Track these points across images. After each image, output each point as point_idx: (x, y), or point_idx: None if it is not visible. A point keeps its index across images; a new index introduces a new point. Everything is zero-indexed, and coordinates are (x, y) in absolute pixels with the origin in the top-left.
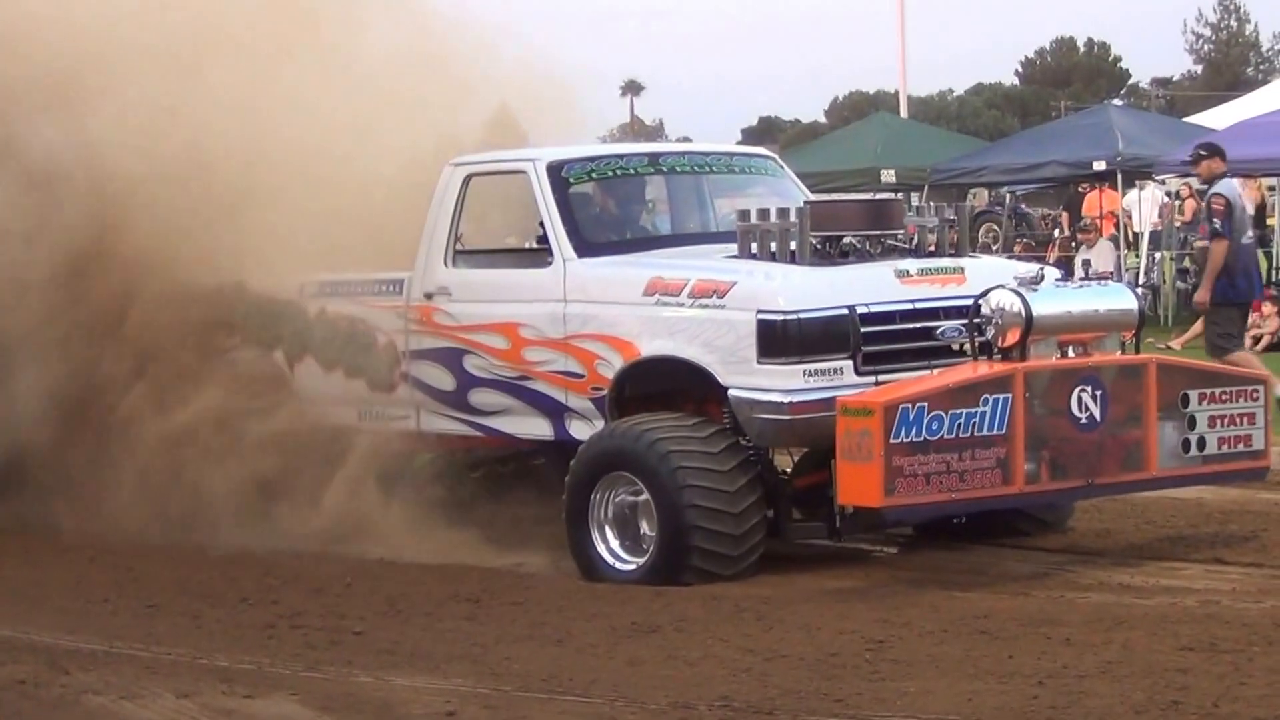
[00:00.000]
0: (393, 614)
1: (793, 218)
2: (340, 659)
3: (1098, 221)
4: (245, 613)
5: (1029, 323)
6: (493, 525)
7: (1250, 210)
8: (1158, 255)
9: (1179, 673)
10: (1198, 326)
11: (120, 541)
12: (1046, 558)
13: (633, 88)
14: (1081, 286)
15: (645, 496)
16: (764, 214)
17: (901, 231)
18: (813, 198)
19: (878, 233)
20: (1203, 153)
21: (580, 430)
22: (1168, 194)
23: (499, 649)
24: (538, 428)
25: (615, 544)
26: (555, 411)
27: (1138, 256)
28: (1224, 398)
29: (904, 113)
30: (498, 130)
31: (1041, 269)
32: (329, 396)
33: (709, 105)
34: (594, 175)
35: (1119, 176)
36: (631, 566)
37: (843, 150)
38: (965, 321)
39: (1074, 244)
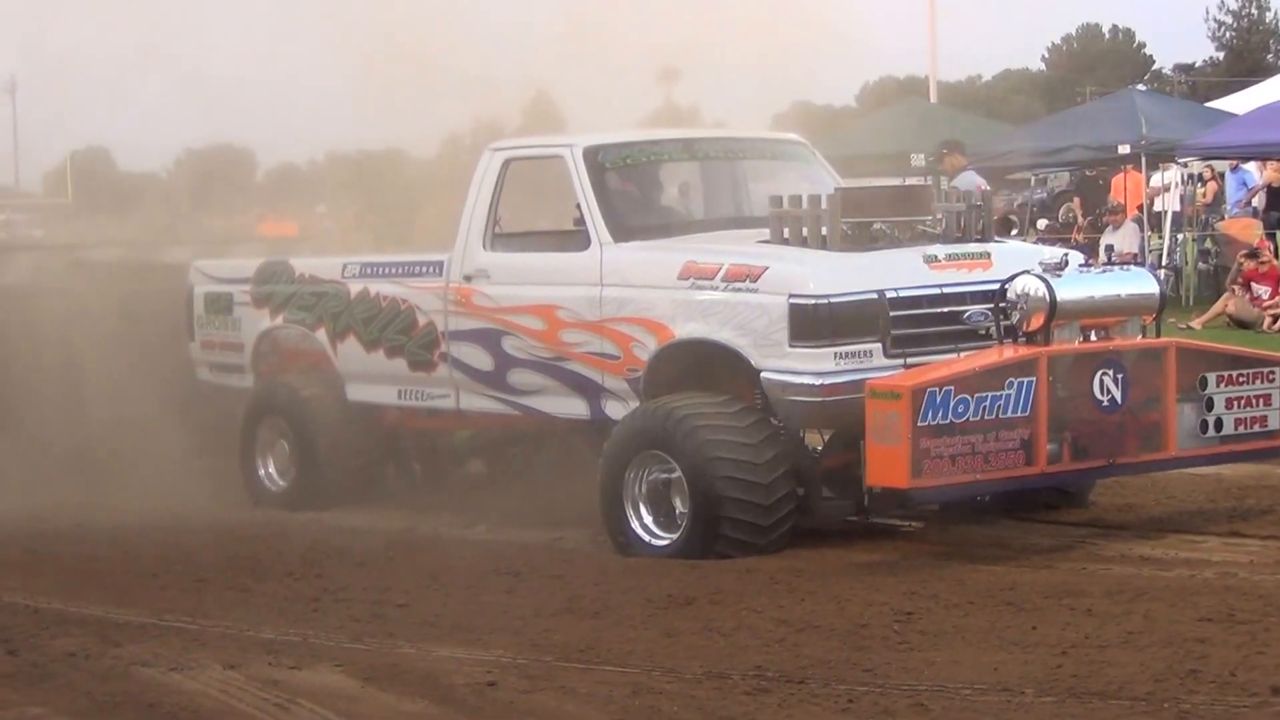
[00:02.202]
0: (435, 587)
1: (824, 204)
2: (383, 631)
3: (1123, 203)
4: (291, 586)
5: (1053, 307)
6: (532, 501)
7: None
8: (1180, 237)
9: (1198, 642)
10: (1218, 306)
11: (168, 518)
12: (1070, 531)
13: (669, 74)
14: (1104, 271)
15: (678, 474)
16: (795, 200)
17: (930, 217)
18: (842, 183)
19: (907, 218)
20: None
21: (616, 410)
22: (1189, 176)
23: (538, 621)
24: (574, 407)
25: (649, 520)
26: (591, 392)
27: (1160, 238)
28: (1241, 380)
29: (934, 98)
30: (536, 115)
31: (1066, 254)
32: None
33: (742, 90)
34: (630, 161)
35: (1143, 160)
36: (665, 541)
37: (874, 134)
38: (991, 306)
39: (1099, 226)
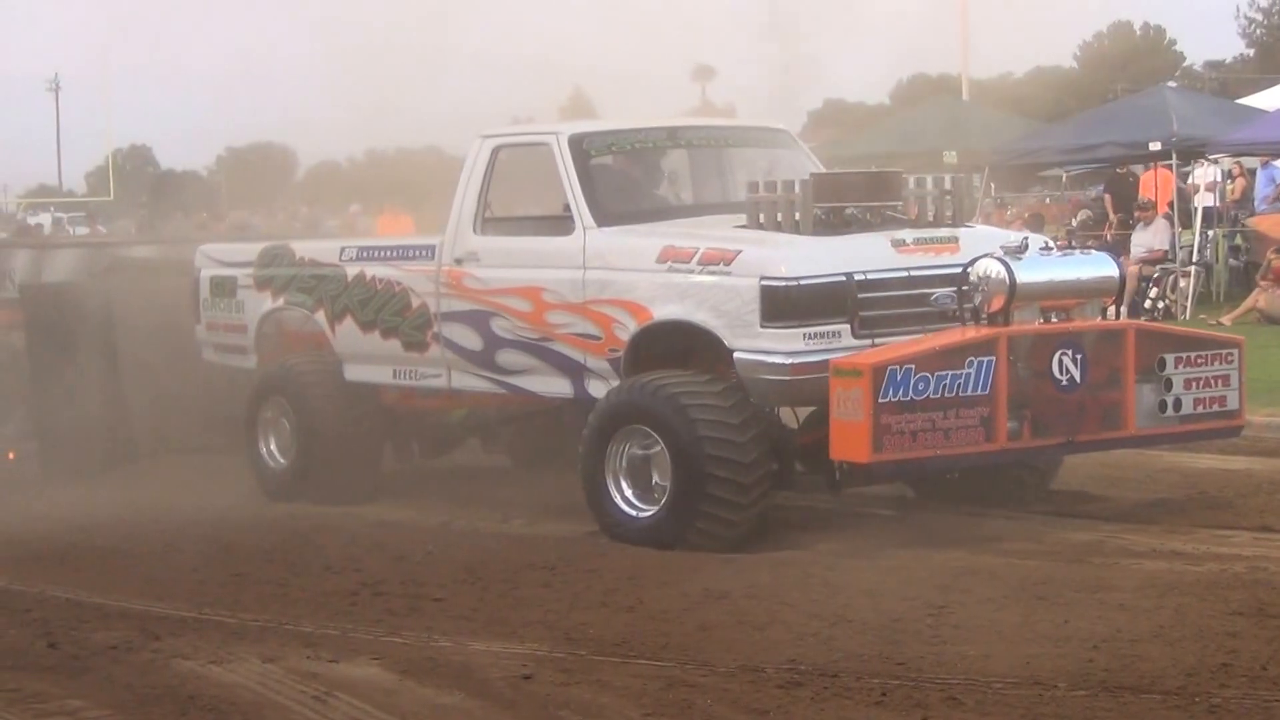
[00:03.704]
0: (471, 581)
1: (797, 189)
2: (421, 625)
3: (1154, 200)
4: (329, 580)
5: (1012, 289)
6: (567, 495)
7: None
8: (1210, 233)
9: (1229, 636)
10: (1248, 302)
11: (208, 513)
12: (1101, 526)
13: (703, 73)
14: (1064, 255)
15: (659, 448)
16: (771, 185)
17: (900, 202)
18: (822, 170)
19: (878, 203)
20: None
21: (598, 389)
22: (1224, 173)
23: (573, 615)
24: (559, 386)
25: (630, 493)
26: (575, 371)
27: (1191, 234)
28: (1199, 361)
29: (965, 95)
30: (573, 112)
31: (1026, 238)
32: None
33: (775, 88)
34: (614, 148)
35: (1173, 157)
36: (646, 514)
37: (906, 132)
38: (955, 288)
39: (1131, 222)
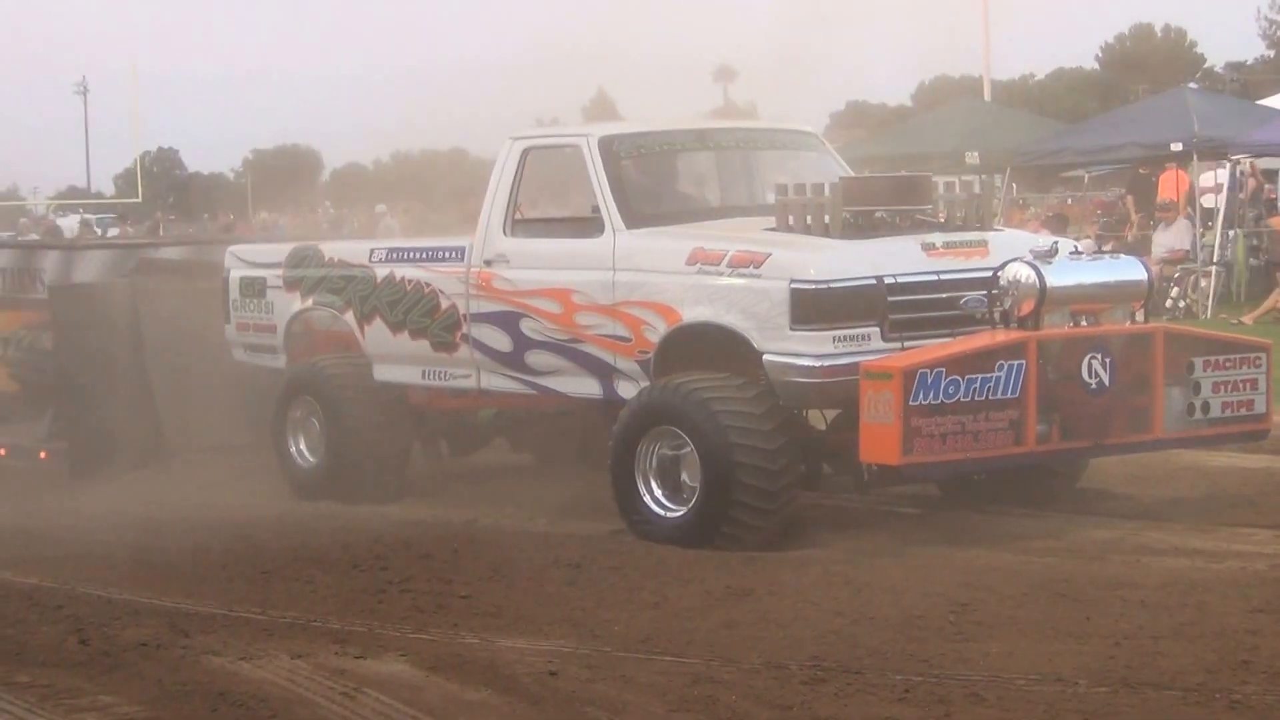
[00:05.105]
0: (497, 579)
1: (826, 192)
2: (447, 622)
3: (1175, 201)
4: (356, 578)
5: (1042, 294)
6: (591, 493)
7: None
8: (1230, 233)
9: (1249, 634)
10: (1269, 302)
11: (236, 511)
12: (1122, 524)
13: (726, 74)
14: (1094, 259)
15: (688, 449)
16: (800, 188)
17: (929, 206)
18: (851, 173)
19: (907, 207)
20: None
21: (627, 390)
22: (1242, 173)
23: (599, 612)
24: (588, 387)
25: (659, 493)
26: (604, 372)
27: (1212, 234)
28: (1228, 364)
29: (988, 96)
30: (596, 114)
31: (1056, 242)
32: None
33: (798, 90)
34: (644, 150)
35: (1194, 158)
36: (676, 514)
37: (928, 133)
38: (985, 292)
39: (1152, 223)
